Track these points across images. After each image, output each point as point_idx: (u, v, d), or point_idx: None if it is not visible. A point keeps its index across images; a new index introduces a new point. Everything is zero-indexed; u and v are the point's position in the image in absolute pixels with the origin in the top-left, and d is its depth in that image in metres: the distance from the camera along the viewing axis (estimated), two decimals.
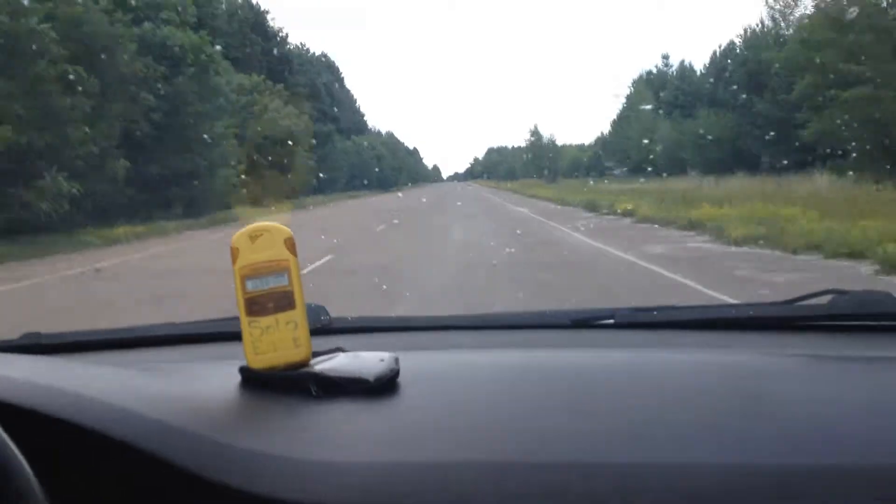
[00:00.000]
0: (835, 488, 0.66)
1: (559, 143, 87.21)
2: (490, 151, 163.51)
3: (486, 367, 1.02)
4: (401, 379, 0.89)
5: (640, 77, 68.28)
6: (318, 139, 50.10)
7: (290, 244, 0.89)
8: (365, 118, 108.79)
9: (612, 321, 1.28)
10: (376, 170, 69.29)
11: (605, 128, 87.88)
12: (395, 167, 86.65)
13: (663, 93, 61.61)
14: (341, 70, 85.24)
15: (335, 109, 67.18)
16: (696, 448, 0.72)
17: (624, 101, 69.41)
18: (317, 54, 78.59)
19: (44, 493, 0.61)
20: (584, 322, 1.29)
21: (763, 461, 0.69)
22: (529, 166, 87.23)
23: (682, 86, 60.21)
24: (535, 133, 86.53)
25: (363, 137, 76.05)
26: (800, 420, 0.77)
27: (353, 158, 61.47)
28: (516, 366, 1.02)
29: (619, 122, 67.71)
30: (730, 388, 0.88)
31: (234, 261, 0.88)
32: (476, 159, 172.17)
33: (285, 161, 35.88)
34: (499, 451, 0.73)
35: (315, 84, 67.64)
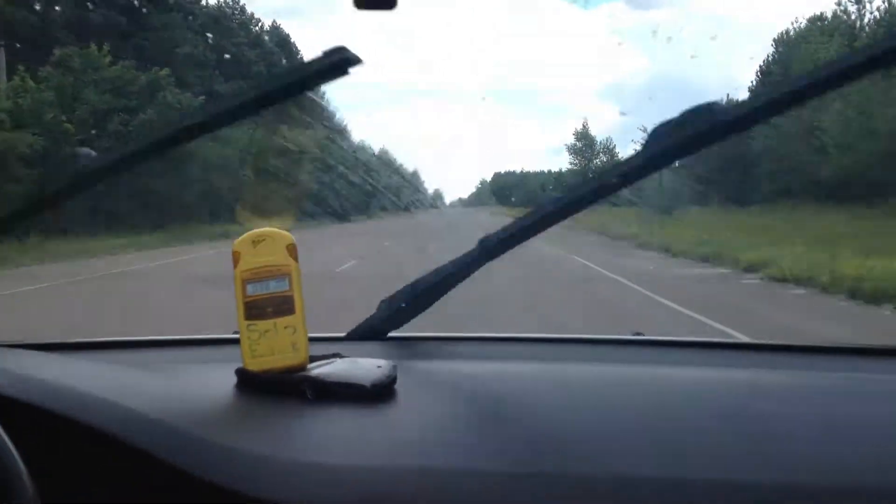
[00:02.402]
0: None
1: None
2: (497, 176, 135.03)
3: (485, 378, 1.01)
4: (398, 386, 0.89)
5: (793, 31, 37.90)
6: None
7: (292, 250, 0.91)
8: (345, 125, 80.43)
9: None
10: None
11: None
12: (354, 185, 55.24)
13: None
14: (300, 51, 52.20)
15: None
16: (687, 464, 0.73)
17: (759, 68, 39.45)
18: (265, 26, 47.85)
19: (34, 488, 0.61)
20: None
21: (755, 478, 0.70)
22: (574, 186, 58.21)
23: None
24: (584, 135, 58.49)
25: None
26: (800, 439, 0.77)
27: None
28: (513, 377, 1.01)
29: None
30: (725, 405, 0.88)
31: (235, 264, 0.89)
32: (483, 181, 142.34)
33: None
34: (490, 461, 0.74)
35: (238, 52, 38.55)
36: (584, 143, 58.56)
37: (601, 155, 58.71)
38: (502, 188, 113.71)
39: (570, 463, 0.73)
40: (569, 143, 60.99)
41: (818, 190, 27.34)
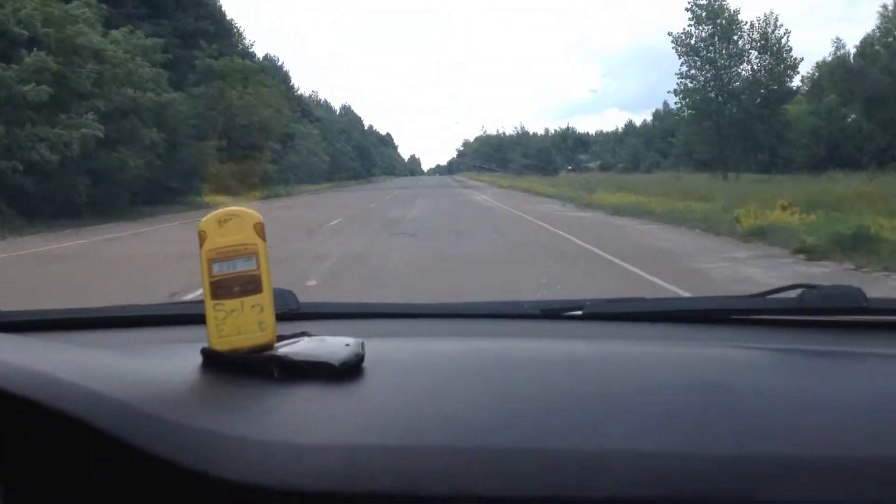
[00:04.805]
0: (792, 477, 0.68)
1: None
2: (480, 140, 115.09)
3: (453, 354, 1.02)
4: (366, 364, 0.89)
5: None
6: None
7: (260, 229, 0.89)
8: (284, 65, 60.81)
9: (580, 312, 1.27)
10: None
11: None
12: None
13: None
14: None
15: None
16: (656, 438, 0.73)
17: None
18: None
19: None
20: (554, 313, 1.28)
21: (722, 451, 0.71)
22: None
23: None
24: (713, 12, 30.26)
25: None
26: (761, 412, 0.79)
27: None
28: (481, 354, 1.02)
29: None
30: (694, 379, 0.89)
31: (200, 244, 0.88)
32: (466, 142, 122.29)
33: None
34: (457, 437, 0.74)
35: None
36: (718, 30, 29.62)
37: (752, 53, 29.81)
38: (489, 153, 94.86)
39: (542, 438, 0.74)
40: (674, 32, 32.43)
41: None
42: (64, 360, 0.87)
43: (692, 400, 0.81)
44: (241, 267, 0.88)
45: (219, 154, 31.37)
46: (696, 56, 31.36)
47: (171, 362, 0.94)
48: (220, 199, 29.55)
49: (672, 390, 0.84)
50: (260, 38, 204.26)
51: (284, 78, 61.31)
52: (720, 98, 30.77)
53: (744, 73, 31.45)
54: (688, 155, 48.50)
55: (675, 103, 32.38)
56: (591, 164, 71.09)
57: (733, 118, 30.01)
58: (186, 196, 28.48)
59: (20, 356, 0.81)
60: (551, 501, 0.68)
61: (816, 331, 1.16)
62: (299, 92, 66.96)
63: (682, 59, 31.55)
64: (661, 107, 71.25)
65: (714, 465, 0.69)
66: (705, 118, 30.90)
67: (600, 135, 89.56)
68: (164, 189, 26.98)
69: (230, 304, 0.87)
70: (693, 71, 31.53)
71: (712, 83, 31.02)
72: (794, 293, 1.17)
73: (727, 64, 31.07)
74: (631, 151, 70.73)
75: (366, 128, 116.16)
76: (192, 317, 1.21)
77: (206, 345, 0.88)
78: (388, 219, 17.55)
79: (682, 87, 31.56)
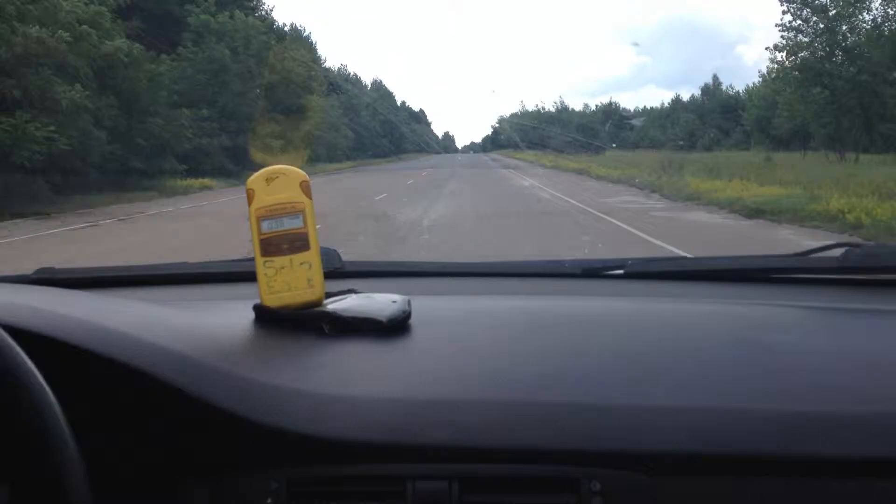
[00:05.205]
0: (833, 434, 0.69)
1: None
2: (517, 116, 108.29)
3: (497, 312, 1.03)
4: (413, 321, 0.91)
5: None
6: None
7: (306, 187, 0.91)
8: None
9: (621, 271, 1.25)
10: None
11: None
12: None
13: None
14: None
15: None
16: (697, 393, 0.75)
17: None
18: None
19: (67, 422, 0.62)
20: (595, 271, 1.27)
21: (764, 407, 0.72)
22: None
23: None
24: None
25: None
26: (803, 369, 0.80)
27: None
28: (525, 311, 1.03)
29: None
30: (735, 337, 0.89)
31: (249, 202, 0.90)
32: (502, 119, 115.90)
33: None
34: (506, 392, 0.76)
35: None
36: None
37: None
38: (533, 127, 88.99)
39: (588, 393, 0.75)
40: None
41: None
42: (123, 314, 0.87)
43: (732, 357, 0.82)
44: (289, 225, 0.90)
45: (203, 126, 25.45)
46: (804, 3, 24.51)
47: (226, 318, 0.95)
48: (204, 182, 23.68)
49: (712, 348, 0.85)
50: (292, 9, 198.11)
51: (310, 49, 55.96)
52: (835, 57, 23.99)
53: (864, 25, 24.43)
54: (761, 130, 41.73)
55: (776, 62, 25.47)
56: (635, 121, 65.31)
57: (855, 82, 23.18)
58: (157, 179, 22.18)
59: (81, 311, 0.82)
60: (598, 454, 0.70)
61: (859, 289, 1.13)
62: (326, 64, 61.67)
63: (785, 7, 24.77)
64: (709, 81, 64.01)
65: (753, 420, 0.70)
66: (814, 82, 24.06)
67: (644, 111, 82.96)
68: (125, 171, 20.81)
69: (280, 261, 0.89)
70: (798, 22, 24.69)
71: (823, 38, 24.25)
72: (837, 252, 1.14)
73: (843, 13, 24.20)
74: (686, 128, 63.76)
75: (398, 104, 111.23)
76: (241, 274, 1.21)
77: (257, 301, 0.90)
78: (395, 225, 11.40)
79: (788, 42, 24.69)
